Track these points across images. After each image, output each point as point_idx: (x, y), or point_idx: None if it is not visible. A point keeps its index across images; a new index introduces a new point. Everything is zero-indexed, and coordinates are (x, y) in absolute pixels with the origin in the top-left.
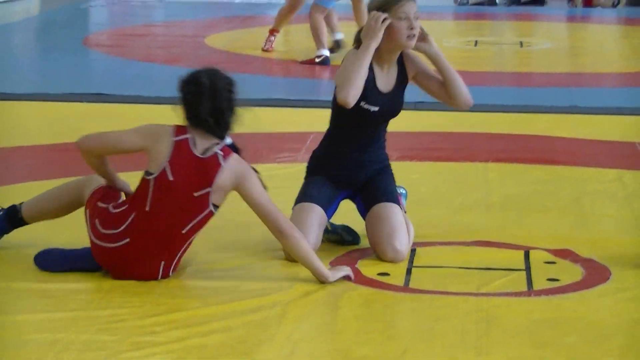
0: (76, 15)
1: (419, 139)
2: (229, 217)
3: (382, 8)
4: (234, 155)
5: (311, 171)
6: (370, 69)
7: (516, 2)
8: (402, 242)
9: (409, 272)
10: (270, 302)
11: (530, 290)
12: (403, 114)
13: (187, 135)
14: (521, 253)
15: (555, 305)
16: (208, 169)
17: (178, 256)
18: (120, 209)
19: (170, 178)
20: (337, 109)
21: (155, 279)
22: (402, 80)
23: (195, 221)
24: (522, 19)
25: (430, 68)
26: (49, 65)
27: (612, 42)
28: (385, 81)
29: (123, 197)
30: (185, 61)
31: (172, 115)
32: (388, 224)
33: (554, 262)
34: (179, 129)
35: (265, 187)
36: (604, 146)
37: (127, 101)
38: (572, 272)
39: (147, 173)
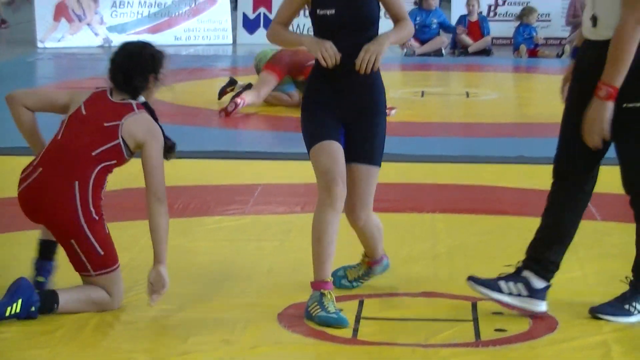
0: (23, 68)
1: None
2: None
3: None
4: (147, 114)
5: (306, 100)
6: None
7: (463, 53)
8: (361, 216)
9: (357, 321)
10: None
11: (478, 341)
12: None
13: (106, 88)
14: (469, 304)
15: (502, 356)
16: (120, 109)
17: (92, 182)
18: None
19: (84, 112)
20: (312, 24)
21: (73, 203)
22: None
23: (104, 147)
24: (469, 69)
25: None
26: None
27: (557, 92)
28: None
29: None
30: None
31: (118, 168)
32: (358, 192)
33: (501, 313)
34: (102, 89)
35: (173, 144)
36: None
37: None
38: (519, 323)
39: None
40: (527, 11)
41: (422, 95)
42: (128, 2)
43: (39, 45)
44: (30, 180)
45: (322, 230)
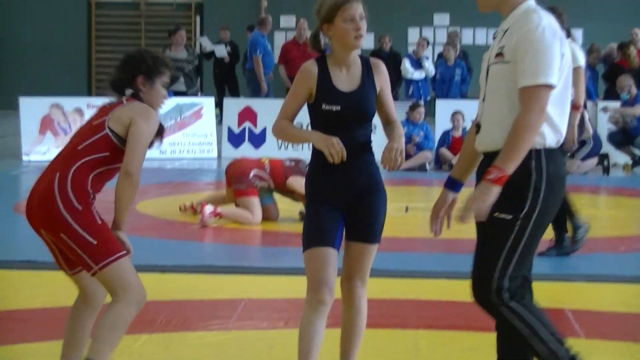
0: (7, 181)
1: None
2: None
3: (329, 14)
4: (138, 103)
5: (309, 196)
6: (326, 71)
7: (449, 168)
8: (357, 284)
9: None
10: None
11: None
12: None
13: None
14: None
15: None
16: (109, 107)
17: (71, 174)
18: None
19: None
20: (310, 116)
21: (52, 193)
22: (368, 83)
23: (90, 140)
24: None
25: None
26: None
27: None
28: (346, 81)
29: None
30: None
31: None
32: (357, 266)
33: None
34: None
35: (162, 127)
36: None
37: (55, 268)
38: None
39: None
40: None
41: (407, 210)
42: None
43: (24, 158)
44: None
45: (305, 330)
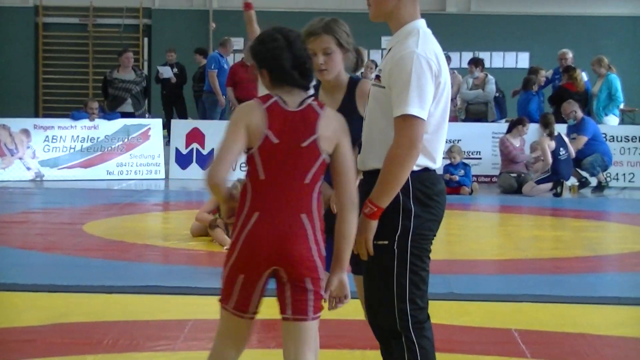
0: None
1: None
2: None
3: None
4: (328, 108)
5: None
6: (317, 96)
7: None
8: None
9: None
10: None
11: None
12: None
13: (274, 98)
14: None
15: None
16: (307, 119)
17: (315, 208)
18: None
19: (275, 141)
20: None
21: (307, 241)
22: (349, 106)
23: (312, 171)
24: None
25: None
26: None
27: (489, 229)
28: (329, 105)
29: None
30: (62, 249)
31: (49, 303)
32: None
33: None
34: (264, 98)
35: None
36: (481, 333)
37: (4, 289)
38: None
39: (248, 150)
40: (450, 151)
41: None
42: (60, 137)
43: None
44: (250, 228)
45: None
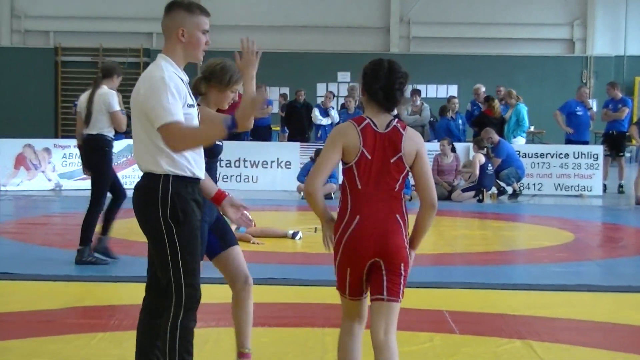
0: None
1: (268, 308)
2: None
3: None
4: (409, 127)
5: None
6: None
7: None
8: None
9: None
10: None
11: None
12: (261, 288)
13: (367, 121)
14: None
15: None
16: (393, 139)
17: (404, 210)
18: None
19: (369, 157)
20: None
21: (401, 235)
22: None
23: (400, 181)
24: None
25: None
26: None
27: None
28: None
29: None
30: (77, 246)
31: (65, 290)
32: None
33: None
34: (357, 120)
35: None
36: (418, 313)
37: (28, 279)
38: None
39: (345, 164)
40: None
41: (315, 231)
42: (76, 154)
43: (2, 188)
44: (351, 230)
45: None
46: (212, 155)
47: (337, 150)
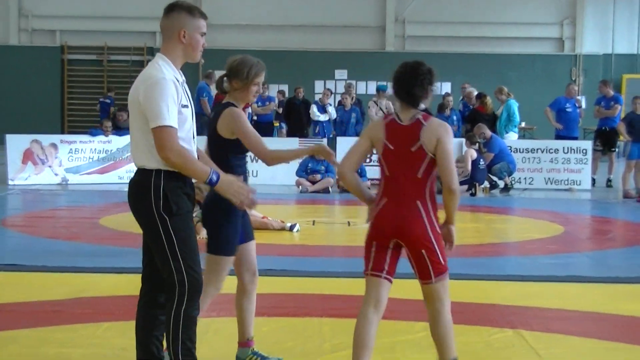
0: None
1: (268, 299)
2: None
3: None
4: (434, 119)
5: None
6: None
7: (345, 191)
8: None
9: None
10: None
11: None
12: (261, 279)
13: (392, 116)
14: None
15: None
16: (414, 130)
17: (428, 197)
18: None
19: (391, 147)
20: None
21: (420, 218)
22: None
23: (422, 167)
24: (350, 204)
25: None
26: None
27: None
28: None
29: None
30: (82, 238)
31: (72, 281)
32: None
33: None
34: (386, 116)
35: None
36: (413, 304)
37: (35, 270)
38: None
39: (378, 154)
40: None
41: (313, 224)
42: (81, 149)
43: (10, 182)
44: (380, 208)
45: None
46: (243, 150)
47: (365, 141)
